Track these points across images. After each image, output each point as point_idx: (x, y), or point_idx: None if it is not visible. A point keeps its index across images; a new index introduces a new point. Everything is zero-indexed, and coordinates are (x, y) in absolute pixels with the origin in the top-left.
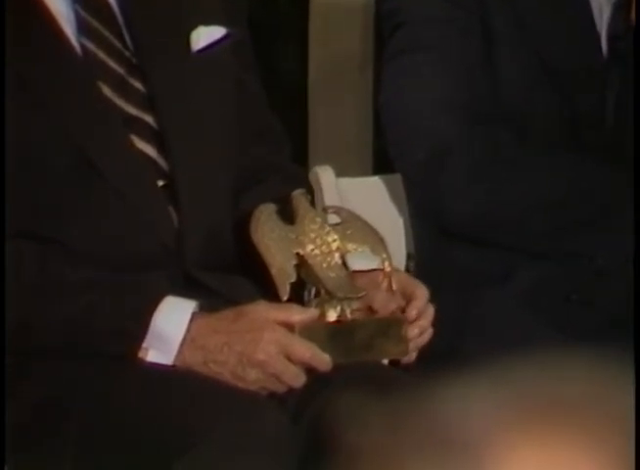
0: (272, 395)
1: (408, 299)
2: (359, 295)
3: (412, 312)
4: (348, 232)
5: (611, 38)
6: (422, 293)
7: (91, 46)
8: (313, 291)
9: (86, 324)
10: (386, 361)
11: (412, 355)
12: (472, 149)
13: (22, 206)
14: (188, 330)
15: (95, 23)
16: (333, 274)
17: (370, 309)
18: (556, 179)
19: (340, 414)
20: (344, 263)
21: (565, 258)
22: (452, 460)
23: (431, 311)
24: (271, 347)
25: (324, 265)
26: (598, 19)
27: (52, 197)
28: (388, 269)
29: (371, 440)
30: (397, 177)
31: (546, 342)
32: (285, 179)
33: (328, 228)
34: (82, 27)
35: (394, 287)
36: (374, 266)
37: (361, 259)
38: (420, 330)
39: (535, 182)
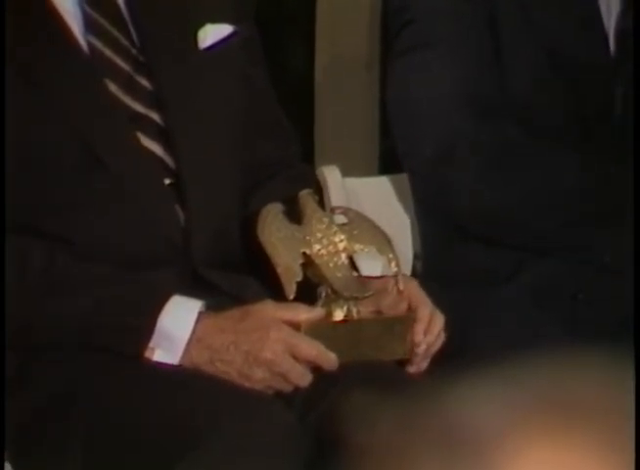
0: (278, 394)
1: (413, 319)
2: (366, 294)
3: (418, 337)
4: (355, 232)
5: (619, 34)
6: (425, 312)
7: (98, 44)
8: (329, 290)
9: (92, 323)
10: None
11: (421, 366)
12: (480, 145)
13: (29, 203)
14: (194, 330)
15: (102, 21)
16: (339, 274)
17: (378, 312)
18: (564, 176)
19: (348, 414)
20: (352, 263)
21: (572, 256)
22: (462, 460)
23: (438, 322)
24: (277, 346)
25: (331, 265)
26: (606, 15)
27: (58, 194)
28: (394, 269)
29: (380, 440)
30: (404, 177)
31: (553, 340)
32: (293, 178)
33: (335, 228)
34: (89, 25)
35: (401, 287)
36: (382, 270)
37: (369, 260)
38: (427, 345)
39: (544, 179)
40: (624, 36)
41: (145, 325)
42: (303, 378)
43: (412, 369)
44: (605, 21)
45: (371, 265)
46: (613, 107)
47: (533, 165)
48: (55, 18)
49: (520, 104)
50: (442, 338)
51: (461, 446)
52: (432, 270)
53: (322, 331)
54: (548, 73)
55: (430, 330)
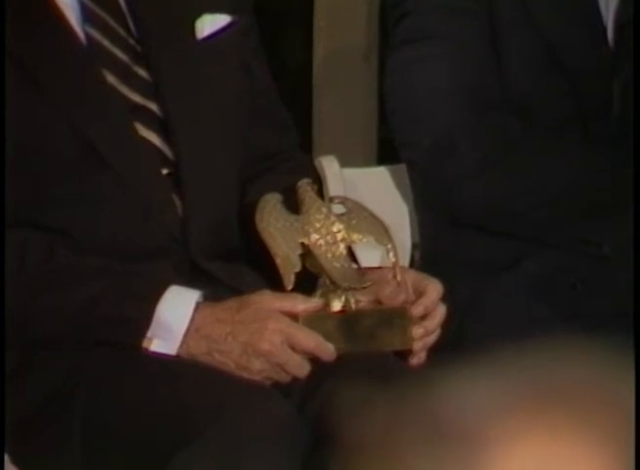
0: (277, 385)
1: (419, 295)
2: (364, 285)
3: (418, 308)
4: (353, 222)
5: (617, 29)
6: (433, 289)
7: (96, 34)
8: (327, 281)
9: (90, 313)
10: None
11: (421, 357)
12: (477, 136)
13: (27, 195)
14: (192, 320)
15: (100, 12)
16: (338, 264)
17: (377, 302)
18: (563, 168)
19: (344, 405)
20: (350, 254)
21: (571, 247)
22: (455, 453)
23: (440, 312)
24: (275, 336)
25: (329, 255)
26: (604, 9)
27: (56, 186)
28: (393, 259)
29: (373, 433)
30: (402, 167)
31: (551, 331)
32: (292, 169)
33: (333, 218)
34: (87, 16)
35: (399, 278)
36: (380, 260)
37: (367, 250)
38: (425, 330)
39: (543, 171)
40: (622, 31)
41: (142, 315)
42: (301, 369)
43: (413, 361)
44: (603, 15)
45: (369, 255)
46: (612, 101)
47: (533, 161)
48: (53, 8)
49: (519, 96)
50: (438, 334)
51: (455, 440)
52: (430, 260)
53: (320, 322)
54: (547, 67)
55: (432, 315)
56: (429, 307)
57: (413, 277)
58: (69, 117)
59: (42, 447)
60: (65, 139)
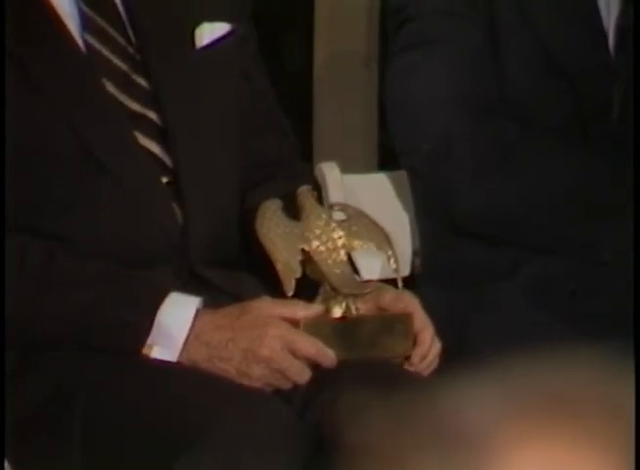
0: (277, 391)
1: (414, 340)
2: (364, 291)
3: (416, 358)
4: (354, 229)
5: (618, 33)
6: (427, 334)
7: (95, 43)
8: (328, 287)
9: (90, 319)
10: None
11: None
12: (476, 142)
13: (27, 202)
14: (192, 326)
15: (99, 20)
16: (338, 271)
17: (378, 309)
18: (562, 173)
19: (343, 413)
20: (350, 260)
21: (570, 253)
22: (456, 459)
23: (434, 351)
24: (276, 342)
25: (329, 262)
26: (605, 14)
27: (57, 193)
28: (393, 266)
29: (373, 440)
30: (402, 174)
31: (551, 337)
32: (292, 175)
33: (333, 225)
34: (86, 24)
35: (400, 285)
36: (381, 267)
37: (367, 257)
38: (415, 370)
39: (541, 171)
40: (623, 35)
41: (143, 322)
42: (302, 375)
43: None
44: (604, 19)
45: (370, 262)
46: (611, 103)
47: (532, 164)
48: (52, 17)
49: (517, 98)
50: (435, 363)
51: (458, 444)
52: (430, 267)
53: (321, 328)
54: (547, 72)
55: (427, 358)
56: (425, 355)
57: (414, 312)
58: (69, 116)
59: (42, 448)
60: (64, 139)
